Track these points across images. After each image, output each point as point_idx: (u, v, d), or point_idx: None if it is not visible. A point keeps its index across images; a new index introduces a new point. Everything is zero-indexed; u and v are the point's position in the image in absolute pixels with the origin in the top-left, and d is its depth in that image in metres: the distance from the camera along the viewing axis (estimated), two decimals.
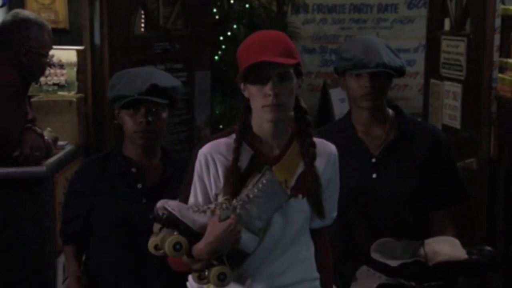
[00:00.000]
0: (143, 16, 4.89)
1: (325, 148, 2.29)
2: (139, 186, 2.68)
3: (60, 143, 3.88)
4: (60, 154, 3.76)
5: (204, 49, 5.19)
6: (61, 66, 4.27)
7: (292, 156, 2.23)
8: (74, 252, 2.78)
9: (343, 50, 2.71)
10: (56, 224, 3.50)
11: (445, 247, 2.45)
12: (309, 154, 2.22)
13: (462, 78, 4.34)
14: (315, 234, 2.32)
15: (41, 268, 3.46)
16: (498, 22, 4.17)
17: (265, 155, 2.23)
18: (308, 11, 7.44)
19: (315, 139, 2.25)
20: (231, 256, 2.15)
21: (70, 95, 4.25)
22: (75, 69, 4.29)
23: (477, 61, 4.13)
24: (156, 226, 2.21)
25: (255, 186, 2.15)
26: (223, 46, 5.99)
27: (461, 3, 4.50)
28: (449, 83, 4.49)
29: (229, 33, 6.09)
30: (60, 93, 4.27)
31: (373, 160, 2.68)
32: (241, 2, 6.33)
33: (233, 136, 2.23)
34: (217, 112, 5.88)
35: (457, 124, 4.38)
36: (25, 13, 3.64)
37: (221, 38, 6.00)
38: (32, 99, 4.01)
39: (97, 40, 4.29)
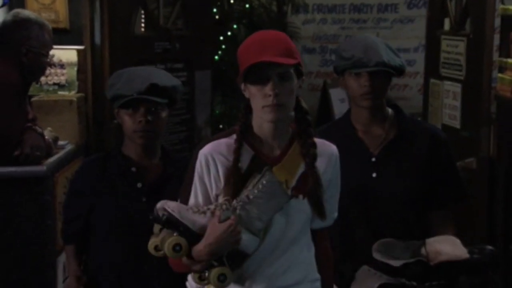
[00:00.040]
0: (143, 16, 4.89)
1: (326, 148, 2.28)
2: (139, 185, 2.68)
3: (61, 142, 3.89)
4: (61, 153, 3.77)
5: (204, 49, 5.20)
6: (62, 65, 4.28)
7: (293, 156, 2.23)
8: (74, 251, 2.78)
9: (343, 49, 2.71)
10: (57, 224, 3.50)
11: (447, 247, 2.45)
12: (310, 154, 2.21)
13: (462, 78, 4.34)
14: (316, 234, 2.32)
15: (41, 267, 3.46)
16: (497, 22, 4.17)
17: (265, 156, 2.22)
18: (308, 11, 7.45)
19: (316, 140, 2.24)
20: (231, 257, 2.14)
21: (71, 94, 4.25)
22: (75, 68, 4.30)
23: (477, 61, 4.14)
24: (157, 227, 2.22)
25: (255, 187, 2.14)
26: (223, 46, 5.99)
27: (460, 3, 4.50)
28: (449, 82, 4.49)
29: (229, 33, 6.09)
30: (60, 92, 4.28)
31: (373, 159, 2.68)
32: (241, 2, 6.34)
33: (234, 136, 2.22)
34: (217, 112, 5.88)
35: (456, 124, 4.38)
36: (26, 12, 3.64)
37: (221, 38, 6.00)
38: (33, 99, 4.01)
39: (97, 40, 4.30)
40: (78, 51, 4.30)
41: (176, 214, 2.14)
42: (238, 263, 2.16)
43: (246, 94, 2.21)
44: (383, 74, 2.64)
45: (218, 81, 5.55)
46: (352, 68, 2.64)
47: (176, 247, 2.12)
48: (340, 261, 2.55)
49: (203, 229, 2.13)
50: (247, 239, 2.14)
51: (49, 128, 3.81)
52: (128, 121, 2.66)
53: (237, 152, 2.19)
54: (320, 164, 2.23)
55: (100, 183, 2.70)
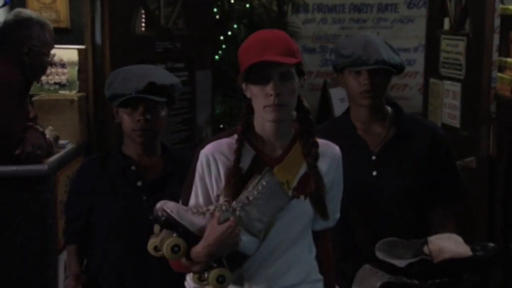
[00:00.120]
0: (144, 16, 4.90)
1: (329, 149, 2.28)
2: (139, 183, 2.67)
3: (62, 141, 3.89)
4: (62, 152, 3.77)
5: (205, 49, 5.20)
6: (63, 65, 4.28)
7: (295, 156, 2.22)
8: (75, 251, 2.78)
9: (342, 47, 2.70)
10: (58, 222, 3.51)
11: (450, 244, 2.44)
12: (312, 154, 2.20)
13: (462, 77, 4.34)
14: (318, 235, 2.31)
15: (42, 266, 3.47)
16: (497, 21, 4.18)
17: (267, 156, 2.21)
18: (308, 10, 7.46)
19: (319, 140, 2.24)
20: (231, 258, 2.14)
21: (72, 94, 4.26)
22: (76, 68, 4.30)
23: (477, 61, 4.14)
24: (157, 227, 2.21)
25: (255, 188, 2.14)
26: (224, 46, 5.99)
27: (460, 3, 4.50)
28: (449, 82, 4.50)
29: (229, 33, 6.10)
30: (61, 92, 4.28)
31: (373, 157, 2.68)
32: (241, 1, 6.34)
33: (235, 136, 2.21)
34: (217, 111, 5.88)
35: (456, 123, 4.39)
36: (27, 12, 3.65)
37: (222, 37, 6.01)
38: (34, 98, 4.01)
39: (98, 39, 4.30)
40: (79, 50, 4.30)
41: (175, 215, 2.13)
42: (238, 265, 2.16)
43: (248, 94, 2.20)
44: (383, 72, 2.64)
45: (218, 81, 5.56)
46: (352, 66, 2.63)
47: (174, 248, 2.12)
48: (341, 260, 2.56)
49: (202, 230, 2.12)
50: (247, 241, 2.13)
51: (50, 127, 3.81)
52: (127, 120, 2.65)
53: (238, 152, 2.18)
54: (322, 164, 2.23)
55: (100, 182, 2.70)
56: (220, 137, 2.26)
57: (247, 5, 6.36)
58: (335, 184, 2.29)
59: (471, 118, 4.22)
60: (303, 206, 2.21)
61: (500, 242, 3.87)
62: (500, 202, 3.97)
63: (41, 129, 3.54)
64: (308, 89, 7.17)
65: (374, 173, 2.67)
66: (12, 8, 4.02)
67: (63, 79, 4.30)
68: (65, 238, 2.85)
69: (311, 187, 2.20)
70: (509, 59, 3.90)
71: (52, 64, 3.86)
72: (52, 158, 3.59)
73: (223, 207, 2.12)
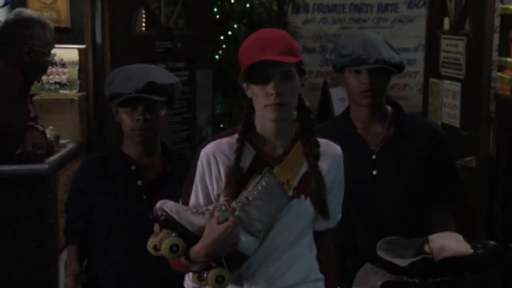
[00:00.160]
0: (144, 15, 4.90)
1: (330, 148, 2.27)
2: (139, 183, 2.66)
3: (62, 141, 3.90)
4: (62, 152, 3.78)
5: (205, 48, 5.20)
6: (63, 65, 4.29)
7: (296, 156, 2.21)
8: (76, 251, 2.78)
9: (342, 46, 2.70)
10: (58, 222, 3.52)
11: (451, 242, 2.43)
12: (313, 153, 2.19)
13: (462, 77, 4.34)
14: (319, 236, 2.30)
15: (43, 265, 3.48)
16: (497, 21, 4.18)
17: (268, 155, 2.21)
18: (309, 10, 7.46)
19: (320, 140, 2.23)
20: (230, 258, 2.13)
21: (72, 93, 4.27)
22: (76, 67, 4.31)
23: (476, 60, 4.14)
24: (157, 226, 2.20)
25: (254, 188, 2.12)
26: (224, 46, 6.00)
27: (460, 3, 4.50)
28: (449, 82, 4.50)
29: (229, 33, 6.10)
30: (62, 91, 4.29)
31: (373, 156, 2.68)
32: (241, 1, 6.34)
33: (236, 135, 2.20)
34: (217, 111, 5.88)
35: (456, 123, 4.39)
36: (28, 12, 3.66)
37: (222, 37, 6.01)
38: (34, 98, 4.03)
39: (98, 39, 4.31)
40: (80, 50, 4.31)
41: (174, 215, 2.12)
42: (237, 265, 2.15)
43: (248, 94, 2.19)
44: (383, 71, 2.64)
45: (218, 81, 5.56)
46: (352, 65, 2.63)
47: (173, 248, 2.11)
48: (341, 260, 2.55)
49: (202, 230, 2.11)
50: (246, 241, 2.12)
51: (50, 127, 3.82)
52: (126, 119, 2.64)
53: (239, 151, 2.17)
54: (323, 164, 2.22)
55: (100, 182, 2.70)
56: (221, 137, 2.25)
57: (247, 5, 6.36)
58: (336, 184, 2.28)
59: (471, 118, 4.22)
60: (304, 206, 2.20)
61: (500, 241, 3.87)
62: (500, 202, 3.97)
63: (41, 128, 3.54)
64: (308, 89, 7.17)
65: (375, 172, 2.67)
66: (12, 7, 4.03)
67: (63, 78, 4.31)
68: (66, 238, 2.85)
69: (312, 186, 2.19)
70: (509, 59, 3.89)
71: (53, 63, 3.87)
72: (53, 158, 3.60)
73: (223, 207, 2.11)
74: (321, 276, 2.29)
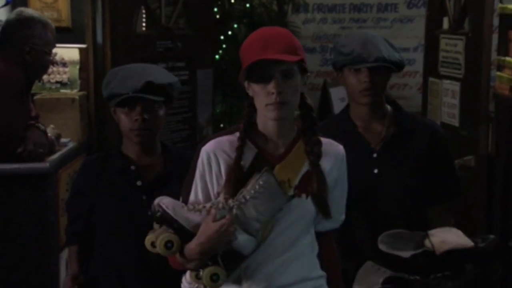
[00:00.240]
0: (145, 15, 4.91)
1: (332, 148, 2.25)
2: (139, 183, 2.66)
3: (63, 140, 3.91)
4: (63, 150, 3.79)
5: (206, 48, 5.20)
6: (64, 64, 4.30)
7: (297, 154, 2.19)
8: (77, 252, 2.77)
9: (342, 44, 2.69)
10: (59, 220, 3.53)
11: (451, 236, 2.44)
12: (314, 152, 2.17)
13: (461, 76, 4.36)
14: (321, 236, 2.29)
15: (43, 263, 3.48)
16: (496, 21, 4.19)
17: (269, 154, 2.19)
18: (308, 10, 7.47)
19: (322, 139, 2.21)
20: (226, 257, 2.12)
21: (73, 93, 4.27)
22: (77, 67, 4.32)
23: (476, 60, 4.15)
24: (156, 223, 2.20)
25: (252, 186, 2.11)
26: (224, 45, 6.01)
27: (459, 2, 4.51)
28: (448, 81, 4.51)
29: (230, 32, 6.11)
30: (62, 91, 4.30)
31: (374, 155, 2.68)
32: (241, 1, 6.34)
33: (237, 134, 2.19)
34: (217, 111, 5.89)
35: (455, 122, 4.40)
36: (29, 11, 3.67)
37: (222, 37, 6.02)
38: (35, 97, 4.03)
39: (99, 38, 4.31)
40: (80, 49, 4.32)
41: (170, 211, 2.11)
42: (234, 264, 2.14)
43: (250, 92, 2.17)
44: (383, 70, 2.63)
45: (218, 80, 5.56)
46: (352, 64, 2.63)
47: (167, 244, 2.10)
48: (341, 260, 2.53)
49: (198, 227, 2.09)
50: (243, 240, 2.11)
51: (51, 126, 3.83)
52: (124, 119, 2.64)
53: (240, 150, 2.16)
54: (325, 163, 2.20)
55: (100, 182, 2.69)
56: (222, 135, 2.24)
57: (248, 5, 6.37)
58: (338, 184, 2.26)
59: (470, 117, 4.23)
60: (305, 205, 2.18)
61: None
62: (499, 201, 3.97)
63: (42, 127, 3.55)
64: (308, 88, 7.09)
65: (376, 171, 2.67)
66: (14, 7, 4.04)
67: (64, 78, 4.31)
68: (67, 238, 2.86)
69: (313, 185, 2.17)
70: (508, 58, 3.90)
71: (54, 63, 3.88)
72: (54, 156, 3.61)
73: (220, 205, 2.10)
74: (322, 273, 2.27)
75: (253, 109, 2.20)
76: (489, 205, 4.11)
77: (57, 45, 3.74)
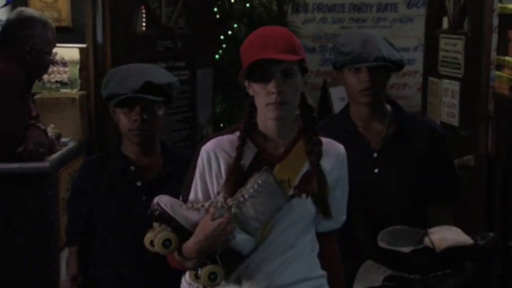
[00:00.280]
0: (145, 15, 4.92)
1: (333, 148, 2.24)
2: (139, 183, 2.65)
3: (63, 139, 3.91)
4: (63, 150, 3.78)
5: (206, 48, 5.21)
6: (64, 64, 4.30)
7: (298, 154, 2.19)
8: (77, 252, 2.77)
9: (342, 44, 2.69)
10: (60, 219, 3.53)
11: (451, 234, 2.44)
12: (315, 152, 2.17)
13: (460, 76, 4.36)
14: (322, 236, 2.28)
15: (44, 263, 3.47)
16: (496, 20, 4.20)
17: (269, 154, 2.18)
18: (308, 10, 7.48)
19: (323, 139, 2.21)
20: (225, 256, 2.11)
21: (73, 92, 4.27)
22: (77, 66, 4.32)
23: (475, 59, 4.16)
24: (156, 222, 2.20)
25: (251, 186, 2.10)
26: (224, 45, 6.01)
27: (459, 2, 4.52)
28: (447, 81, 4.52)
29: (230, 32, 6.11)
30: (63, 90, 4.30)
31: (375, 154, 2.68)
32: (241, 1, 6.36)
33: (237, 133, 2.18)
34: (217, 110, 5.90)
35: (455, 122, 4.41)
36: (29, 11, 3.67)
37: (222, 37, 6.02)
38: (36, 96, 4.03)
39: (99, 38, 4.31)
40: (81, 49, 4.32)
41: (168, 210, 2.11)
42: (232, 263, 2.14)
43: (250, 92, 2.17)
44: (383, 69, 2.63)
45: (218, 80, 5.57)
46: (352, 63, 2.63)
47: (165, 243, 2.09)
48: (342, 259, 2.56)
49: (196, 225, 2.09)
50: (242, 239, 2.10)
51: (52, 125, 3.83)
52: (123, 120, 2.63)
53: (240, 149, 2.15)
54: (326, 163, 2.20)
55: (100, 183, 2.68)
56: (222, 134, 2.23)
57: (247, 5, 6.38)
58: (339, 184, 2.25)
59: (469, 117, 4.24)
60: (305, 205, 2.18)
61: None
62: (498, 200, 3.98)
63: (43, 127, 3.55)
64: (308, 88, 7.13)
65: (376, 170, 2.67)
66: (14, 7, 4.04)
67: (64, 77, 4.31)
68: (67, 238, 2.86)
69: (313, 185, 2.16)
70: (507, 58, 3.91)
71: (54, 62, 3.88)
72: (54, 156, 3.60)
73: (219, 204, 2.09)
74: (322, 272, 2.27)
75: (253, 109, 2.20)
76: (489, 205, 4.11)
77: (57, 44, 3.73)
